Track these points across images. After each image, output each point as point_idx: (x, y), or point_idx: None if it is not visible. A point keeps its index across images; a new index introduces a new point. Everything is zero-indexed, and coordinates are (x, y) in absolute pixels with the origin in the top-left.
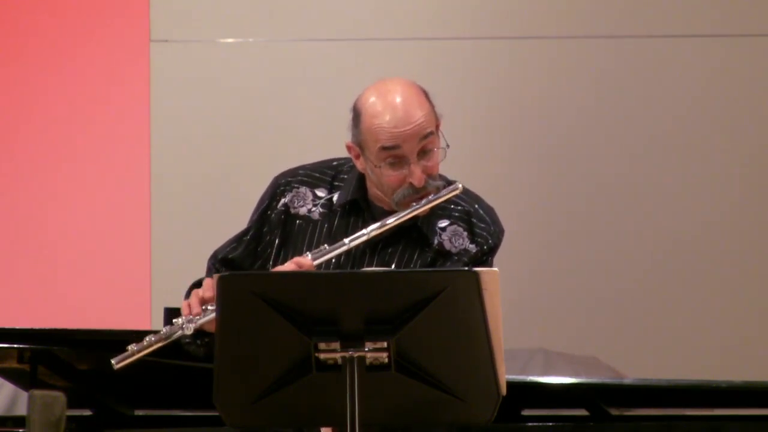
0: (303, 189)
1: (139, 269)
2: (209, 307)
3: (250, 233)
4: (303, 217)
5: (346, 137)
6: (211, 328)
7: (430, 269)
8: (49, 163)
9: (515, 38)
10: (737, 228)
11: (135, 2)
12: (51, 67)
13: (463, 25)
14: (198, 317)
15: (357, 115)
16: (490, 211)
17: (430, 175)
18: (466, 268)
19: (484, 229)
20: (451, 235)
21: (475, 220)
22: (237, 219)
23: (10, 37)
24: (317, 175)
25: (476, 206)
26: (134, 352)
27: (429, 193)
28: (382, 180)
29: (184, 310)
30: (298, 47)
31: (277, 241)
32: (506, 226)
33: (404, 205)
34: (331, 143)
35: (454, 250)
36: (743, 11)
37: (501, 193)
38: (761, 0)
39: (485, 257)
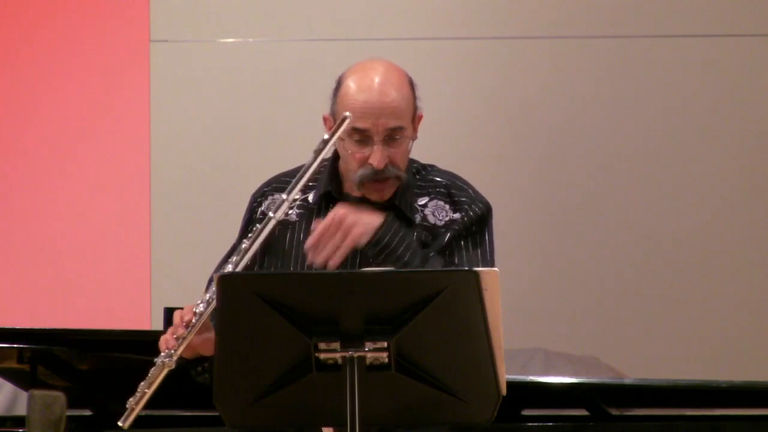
0: (278, 195)
1: (139, 269)
2: (192, 328)
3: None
4: (281, 222)
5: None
6: (206, 352)
7: (429, 269)
8: (49, 163)
9: (515, 38)
10: (737, 228)
11: (135, 2)
12: (51, 67)
13: (462, 25)
14: (173, 350)
15: (337, 87)
16: (467, 183)
17: (393, 162)
18: (466, 268)
19: (463, 197)
20: (433, 210)
21: (454, 191)
22: (237, 219)
23: (11, 37)
24: (290, 179)
25: (454, 180)
26: (133, 406)
27: (388, 179)
28: (346, 156)
29: (161, 346)
30: (298, 47)
31: (259, 248)
32: (507, 225)
33: (364, 186)
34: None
35: (439, 223)
36: (743, 11)
37: (501, 193)
38: (761, 0)
39: (475, 228)
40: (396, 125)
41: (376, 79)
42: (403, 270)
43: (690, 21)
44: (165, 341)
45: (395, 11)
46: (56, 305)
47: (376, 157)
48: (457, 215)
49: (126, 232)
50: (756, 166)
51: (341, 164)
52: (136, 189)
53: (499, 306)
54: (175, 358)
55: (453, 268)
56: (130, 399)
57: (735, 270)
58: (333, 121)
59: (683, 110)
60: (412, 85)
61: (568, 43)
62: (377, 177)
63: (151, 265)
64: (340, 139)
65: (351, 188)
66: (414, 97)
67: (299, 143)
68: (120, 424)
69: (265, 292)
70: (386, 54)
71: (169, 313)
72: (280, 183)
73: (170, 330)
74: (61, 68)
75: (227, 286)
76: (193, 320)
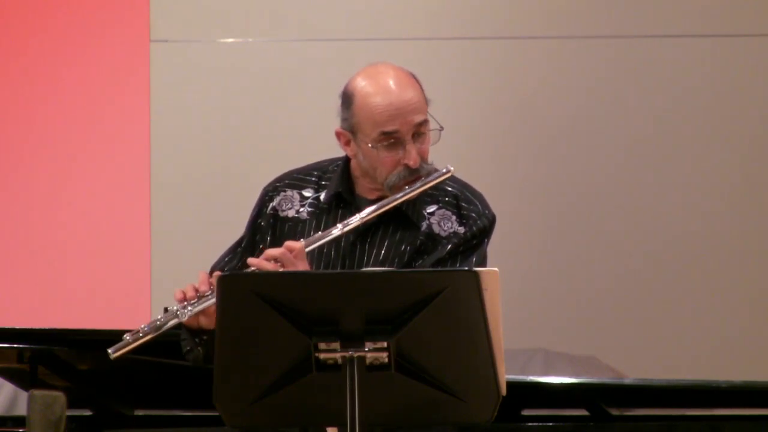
0: (290, 192)
1: (139, 269)
2: (207, 295)
3: (244, 243)
4: (292, 219)
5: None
6: (209, 325)
7: (429, 269)
8: (49, 163)
9: (515, 38)
10: (737, 227)
11: (135, 2)
12: (51, 67)
13: (462, 25)
14: (193, 303)
15: (348, 99)
16: (478, 195)
17: (423, 158)
18: (466, 268)
19: (472, 211)
20: (439, 219)
21: (463, 203)
22: (237, 219)
23: (11, 37)
24: (303, 177)
25: (465, 191)
26: (129, 341)
27: (421, 177)
28: (376, 163)
29: (178, 297)
30: (298, 47)
31: (267, 244)
32: (506, 225)
33: (397, 188)
34: (331, 143)
35: (443, 234)
36: (743, 11)
37: (500, 193)
38: (761, 0)
39: (475, 240)
40: (421, 119)
41: (390, 81)
42: (403, 270)
43: (690, 21)
44: (182, 293)
45: (395, 11)
46: (56, 305)
47: (411, 156)
48: (461, 229)
49: (126, 233)
50: (756, 166)
51: (354, 167)
52: (136, 189)
53: (499, 306)
54: (190, 312)
55: (453, 268)
56: (127, 334)
57: (735, 270)
58: (348, 135)
59: (683, 110)
60: (415, 77)
61: (568, 43)
62: (413, 176)
63: (151, 265)
64: (370, 147)
65: (362, 190)
66: (422, 89)
67: (299, 143)
68: (109, 350)
69: (265, 292)
70: (386, 54)
71: None
72: (293, 180)
73: (192, 286)
74: (61, 68)
75: (227, 286)
76: None
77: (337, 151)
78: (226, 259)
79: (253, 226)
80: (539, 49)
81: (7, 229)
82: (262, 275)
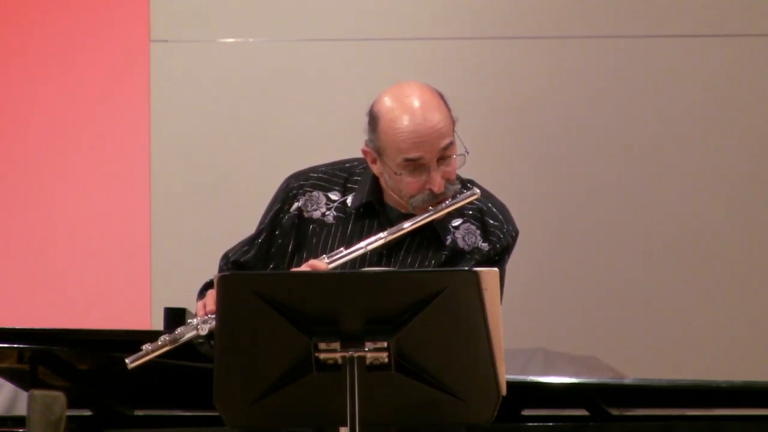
0: (316, 193)
1: (139, 269)
2: None
3: (262, 236)
4: (317, 221)
5: (348, 138)
6: None
7: (429, 269)
8: (49, 163)
9: (516, 38)
10: (737, 228)
11: (135, 2)
12: (51, 67)
13: (463, 25)
14: (213, 317)
15: (374, 119)
16: (502, 208)
17: (448, 180)
18: (466, 268)
19: (497, 227)
20: (464, 234)
21: (488, 219)
22: (237, 219)
23: (11, 36)
24: (330, 177)
25: (489, 204)
26: (148, 351)
27: (447, 198)
28: (400, 186)
29: (199, 311)
30: (298, 47)
31: (291, 246)
32: None
33: (421, 209)
34: (331, 143)
35: (467, 248)
36: (743, 11)
37: (500, 193)
38: (761, 0)
39: (498, 257)
40: (446, 144)
41: (415, 103)
42: (403, 270)
43: (690, 21)
44: (203, 306)
45: (396, 11)
46: (56, 305)
47: (436, 182)
48: (485, 245)
49: (126, 233)
50: (756, 166)
51: (383, 183)
52: (136, 189)
53: (499, 306)
54: (211, 326)
55: (453, 268)
56: (147, 344)
57: (735, 270)
58: (374, 155)
59: (684, 110)
60: (443, 98)
61: (569, 43)
62: (437, 199)
63: (151, 265)
64: (393, 172)
65: (391, 199)
66: (449, 108)
67: (299, 143)
68: (127, 360)
69: (265, 292)
70: (387, 54)
71: (169, 313)
72: (318, 180)
73: (213, 298)
74: (61, 68)
75: (227, 286)
76: None
77: (336, 151)
78: (243, 249)
79: (274, 221)
80: (539, 49)
81: (7, 229)
82: (262, 275)
